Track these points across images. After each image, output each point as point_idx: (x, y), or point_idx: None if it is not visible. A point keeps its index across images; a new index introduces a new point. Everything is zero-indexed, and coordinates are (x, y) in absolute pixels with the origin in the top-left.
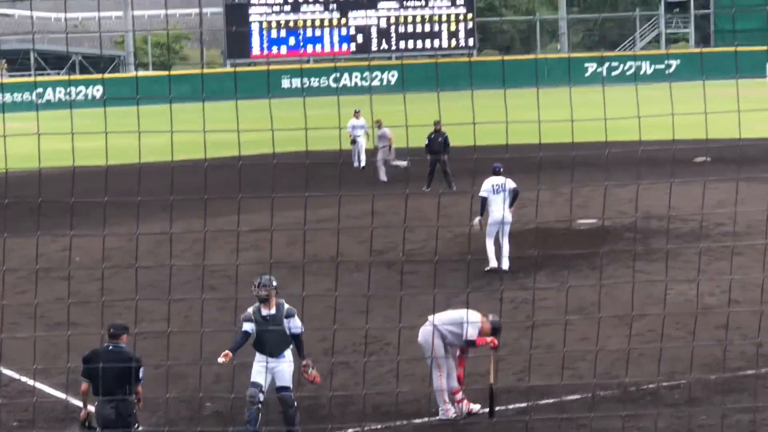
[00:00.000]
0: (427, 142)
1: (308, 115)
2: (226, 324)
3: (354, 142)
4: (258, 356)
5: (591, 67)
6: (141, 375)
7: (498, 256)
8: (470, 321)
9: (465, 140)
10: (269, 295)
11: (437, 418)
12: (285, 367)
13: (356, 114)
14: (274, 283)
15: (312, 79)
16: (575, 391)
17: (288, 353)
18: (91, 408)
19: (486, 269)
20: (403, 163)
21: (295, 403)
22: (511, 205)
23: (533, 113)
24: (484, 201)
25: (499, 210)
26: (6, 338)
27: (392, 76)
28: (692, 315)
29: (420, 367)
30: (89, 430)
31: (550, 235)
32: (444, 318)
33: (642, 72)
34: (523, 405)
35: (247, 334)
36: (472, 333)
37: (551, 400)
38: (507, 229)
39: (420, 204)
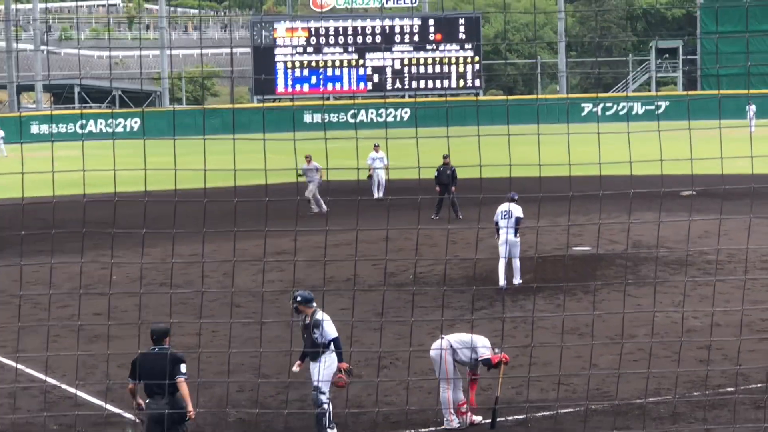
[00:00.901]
0: (436, 174)
1: (329, 147)
2: (250, 339)
3: (372, 174)
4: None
5: (587, 107)
6: (184, 369)
7: (509, 274)
8: (483, 345)
9: (472, 173)
10: (299, 308)
11: (443, 427)
12: (318, 369)
13: (376, 148)
14: (299, 299)
15: (332, 114)
16: (569, 405)
17: (324, 358)
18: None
19: (498, 285)
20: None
21: (324, 406)
22: (515, 232)
23: (535, 148)
24: (497, 224)
25: (505, 233)
26: (50, 351)
27: (405, 113)
28: (677, 336)
29: (427, 381)
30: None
31: (548, 262)
32: (456, 338)
33: (634, 112)
34: (522, 417)
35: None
36: (485, 353)
37: (547, 413)
38: (515, 251)
39: (429, 231)
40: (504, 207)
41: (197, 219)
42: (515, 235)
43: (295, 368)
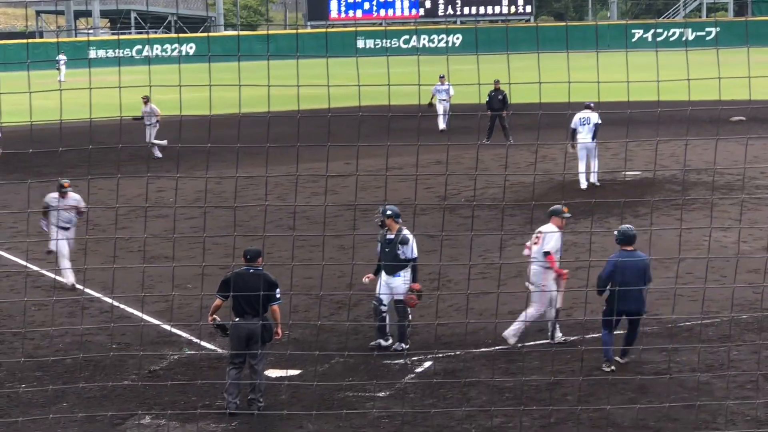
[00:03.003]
0: (487, 99)
1: (385, 72)
2: (304, 260)
3: (436, 105)
4: (382, 274)
5: (638, 33)
6: (279, 294)
7: (588, 175)
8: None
9: (522, 98)
10: (384, 222)
11: (509, 345)
12: (399, 283)
13: (441, 79)
14: (389, 212)
15: (384, 40)
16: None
17: (403, 273)
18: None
19: (581, 188)
20: (163, 143)
21: (410, 317)
22: (594, 137)
23: (584, 75)
24: (573, 131)
25: (585, 138)
26: (108, 269)
27: (457, 39)
28: (726, 260)
29: (478, 302)
30: (217, 327)
31: (598, 186)
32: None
33: (684, 38)
34: (573, 338)
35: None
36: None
37: (597, 335)
38: (594, 152)
39: (480, 155)
40: (582, 114)
41: (255, 141)
42: (593, 140)
43: (365, 280)
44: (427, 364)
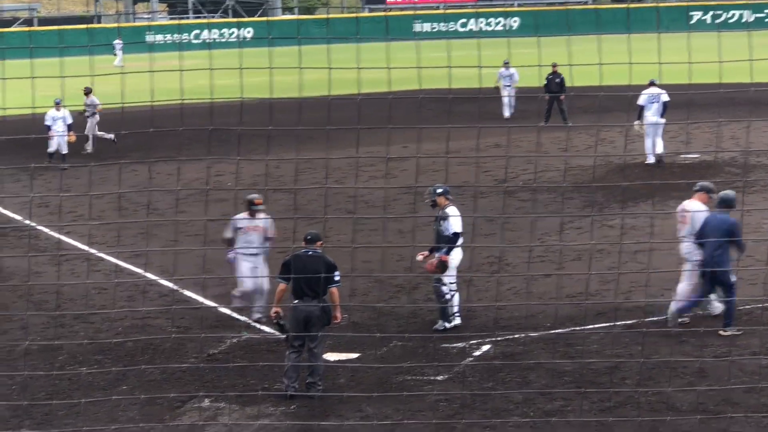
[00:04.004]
0: (545, 83)
1: (444, 56)
2: (362, 244)
3: (501, 91)
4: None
5: (697, 15)
6: (338, 277)
7: (653, 152)
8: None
9: (580, 81)
10: (435, 201)
11: (597, 326)
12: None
13: (506, 65)
14: (439, 190)
15: (441, 24)
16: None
17: (447, 251)
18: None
19: (645, 162)
20: (110, 136)
21: (446, 296)
22: (662, 114)
23: (641, 58)
24: (641, 108)
25: (653, 116)
26: (168, 252)
27: (514, 22)
28: None
29: (537, 285)
30: (278, 327)
31: (657, 168)
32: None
33: (743, 20)
34: (630, 322)
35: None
36: None
37: (655, 318)
38: (660, 131)
39: (539, 138)
40: (650, 91)
41: (313, 126)
42: (661, 116)
43: (419, 257)
44: (486, 347)
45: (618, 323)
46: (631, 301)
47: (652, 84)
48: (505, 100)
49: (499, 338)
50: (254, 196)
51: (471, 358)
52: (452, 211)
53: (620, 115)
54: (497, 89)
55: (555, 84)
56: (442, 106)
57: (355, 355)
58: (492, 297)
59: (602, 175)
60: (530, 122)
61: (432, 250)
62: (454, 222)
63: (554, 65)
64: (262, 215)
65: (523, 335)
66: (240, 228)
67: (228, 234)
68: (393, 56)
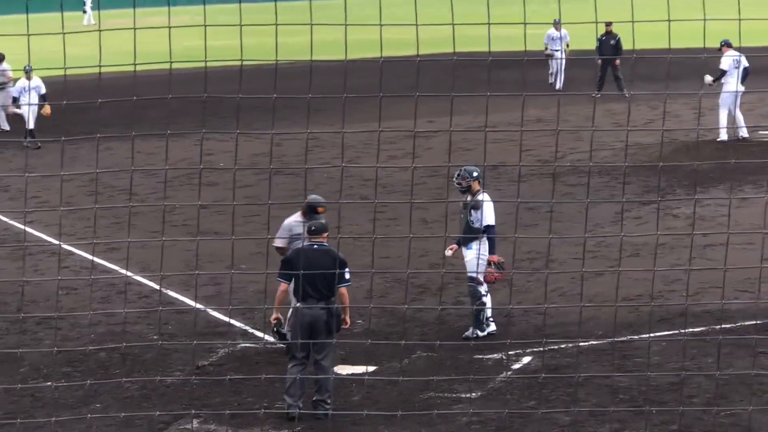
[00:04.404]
0: (597, 45)
1: (478, 12)
2: (380, 236)
3: (551, 56)
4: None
5: None
6: (348, 276)
7: (734, 127)
8: None
9: (639, 43)
10: (465, 186)
11: (608, 340)
12: (472, 257)
13: (556, 25)
14: (474, 174)
15: None
16: (755, 315)
17: (475, 245)
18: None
19: (718, 140)
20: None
21: (482, 297)
22: (743, 81)
23: (715, 13)
24: (723, 73)
25: (734, 83)
26: (147, 246)
27: None
28: None
29: (587, 286)
30: (278, 335)
31: (730, 146)
32: None
33: None
34: (699, 329)
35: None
36: None
37: (728, 325)
38: (739, 100)
39: (589, 111)
40: (733, 54)
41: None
42: (742, 83)
43: (448, 252)
44: (527, 359)
45: (684, 331)
46: (701, 304)
47: (727, 46)
48: (555, 67)
49: (542, 348)
50: (316, 199)
51: (509, 372)
52: (484, 197)
53: (688, 84)
54: (546, 55)
55: (609, 46)
56: (474, 73)
57: (371, 368)
58: (534, 299)
59: (666, 154)
60: (580, 92)
61: (459, 243)
62: (488, 212)
63: (608, 24)
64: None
65: (571, 345)
66: (298, 235)
67: (280, 242)
68: (421, 12)
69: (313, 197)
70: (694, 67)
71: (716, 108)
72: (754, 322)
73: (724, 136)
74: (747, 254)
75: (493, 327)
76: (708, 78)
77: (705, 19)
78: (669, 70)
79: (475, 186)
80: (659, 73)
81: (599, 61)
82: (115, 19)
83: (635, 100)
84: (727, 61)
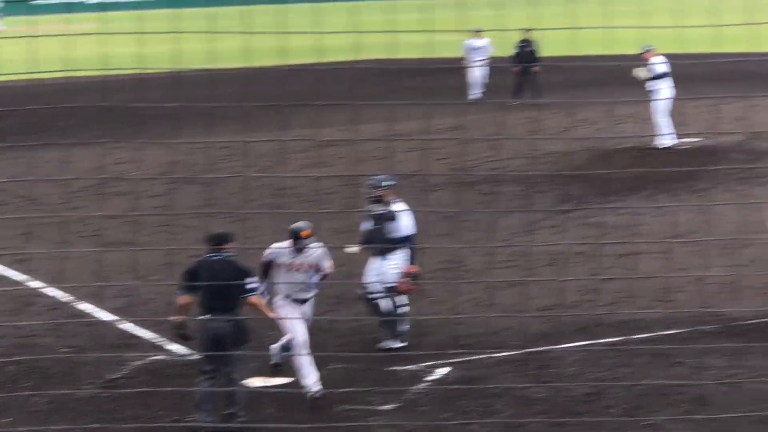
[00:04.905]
0: (516, 51)
1: (391, 20)
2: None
3: (469, 66)
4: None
5: None
6: (255, 283)
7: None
8: None
9: (557, 50)
10: (381, 197)
11: (526, 351)
12: (387, 268)
13: (477, 33)
14: (385, 183)
15: None
16: (671, 325)
17: (394, 256)
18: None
19: (661, 147)
20: None
21: (398, 309)
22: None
23: (624, 21)
24: (659, 75)
25: (668, 88)
26: (55, 257)
27: None
28: None
29: (502, 295)
30: (182, 338)
31: (647, 154)
32: None
33: None
34: (615, 339)
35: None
36: None
37: (645, 335)
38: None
39: (506, 119)
40: (663, 60)
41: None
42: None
43: (354, 249)
44: (443, 370)
45: (600, 341)
46: (616, 313)
47: (651, 52)
48: (475, 78)
49: (458, 359)
50: (301, 225)
51: (425, 384)
52: (402, 208)
53: (603, 90)
54: (464, 65)
55: (526, 53)
56: (387, 80)
57: (285, 380)
58: (449, 309)
59: (581, 163)
60: (496, 99)
61: (376, 254)
62: (405, 222)
63: (525, 30)
64: (315, 248)
65: (486, 356)
66: (282, 263)
67: (265, 258)
68: (327, 21)
69: (297, 225)
70: (612, 74)
71: (654, 115)
72: (670, 332)
73: (667, 141)
74: (662, 263)
75: (402, 344)
76: (640, 72)
77: (614, 27)
78: (579, 77)
79: (389, 196)
80: (576, 81)
81: (516, 69)
82: (21, 26)
83: (552, 107)
84: (661, 66)
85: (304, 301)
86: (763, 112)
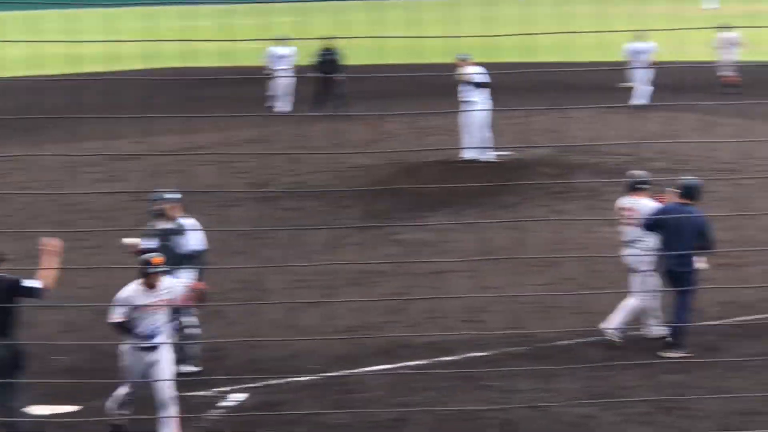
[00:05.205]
0: (318, 60)
1: (185, 26)
2: (82, 265)
3: (272, 76)
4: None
5: None
6: (30, 283)
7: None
8: None
9: (363, 58)
10: (164, 211)
11: (324, 374)
12: (173, 284)
13: (281, 42)
14: (168, 197)
15: None
16: (479, 347)
17: (181, 272)
18: None
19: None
20: None
21: (191, 330)
22: None
23: (434, 30)
24: (479, 85)
25: (487, 99)
26: None
27: None
28: (616, 263)
29: (303, 317)
30: None
31: (455, 168)
32: None
33: None
34: (421, 362)
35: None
36: None
37: (452, 357)
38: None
39: (307, 131)
40: (481, 69)
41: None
42: None
43: (133, 241)
44: (240, 396)
45: (405, 364)
46: (423, 335)
47: (466, 60)
48: (280, 90)
49: (256, 384)
50: (150, 255)
51: (219, 411)
52: (190, 222)
53: (407, 101)
54: (266, 73)
55: (329, 62)
56: (184, 90)
57: (73, 408)
58: (246, 332)
59: (387, 177)
60: (297, 110)
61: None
62: (193, 236)
63: (328, 39)
64: (167, 280)
65: (286, 380)
66: (136, 308)
67: (116, 317)
68: (122, 26)
69: (147, 255)
70: (420, 85)
71: (466, 127)
72: (478, 354)
73: (479, 154)
74: (470, 282)
75: (196, 368)
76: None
77: (421, 36)
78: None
79: (174, 210)
80: (383, 91)
81: (319, 76)
82: None
83: (357, 119)
84: (479, 76)
85: (153, 349)
86: (576, 124)
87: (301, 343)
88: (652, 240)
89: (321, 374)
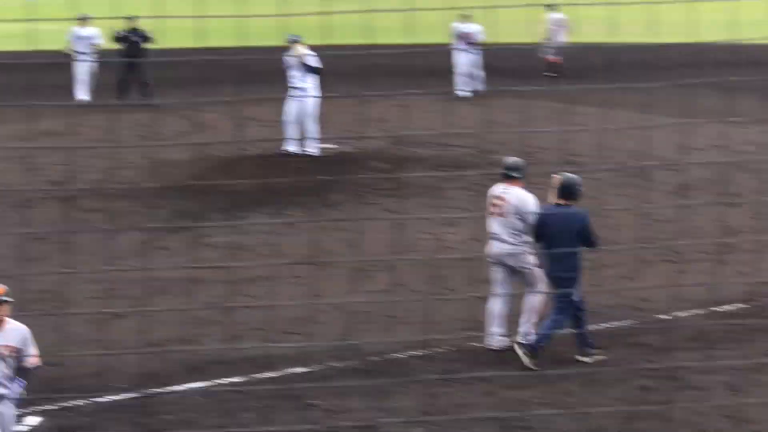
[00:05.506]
0: (121, 44)
1: None
2: None
3: (73, 58)
4: None
5: None
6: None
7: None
8: None
9: (181, 41)
10: None
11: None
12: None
13: (81, 21)
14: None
15: None
16: (302, 361)
17: None
18: None
19: (291, 152)
20: None
21: None
22: None
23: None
24: (318, 71)
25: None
26: None
27: None
28: (453, 266)
29: (109, 329)
30: None
31: (274, 164)
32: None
33: None
34: (238, 379)
35: None
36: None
37: (271, 374)
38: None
39: (111, 122)
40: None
41: None
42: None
43: None
44: (35, 420)
45: (221, 381)
46: (240, 348)
47: (298, 42)
48: (79, 74)
49: (51, 406)
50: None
51: None
52: None
53: (219, 89)
54: (66, 55)
55: (133, 44)
56: None
57: None
58: (48, 348)
59: (199, 172)
60: (99, 99)
61: None
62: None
63: (131, 18)
64: (8, 323)
65: (86, 401)
66: None
67: None
68: None
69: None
70: (243, 70)
71: (293, 116)
72: (301, 369)
73: (304, 148)
74: (295, 289)
75: None
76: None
77: (248, 16)
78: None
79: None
80: (199, 78)
81: (120, 60)
82: None
83: (165, 109)
84: (313, 60)
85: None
86: (413, 113)
87: (106, 359)
88: (526, 233)
89: (128, 393)
